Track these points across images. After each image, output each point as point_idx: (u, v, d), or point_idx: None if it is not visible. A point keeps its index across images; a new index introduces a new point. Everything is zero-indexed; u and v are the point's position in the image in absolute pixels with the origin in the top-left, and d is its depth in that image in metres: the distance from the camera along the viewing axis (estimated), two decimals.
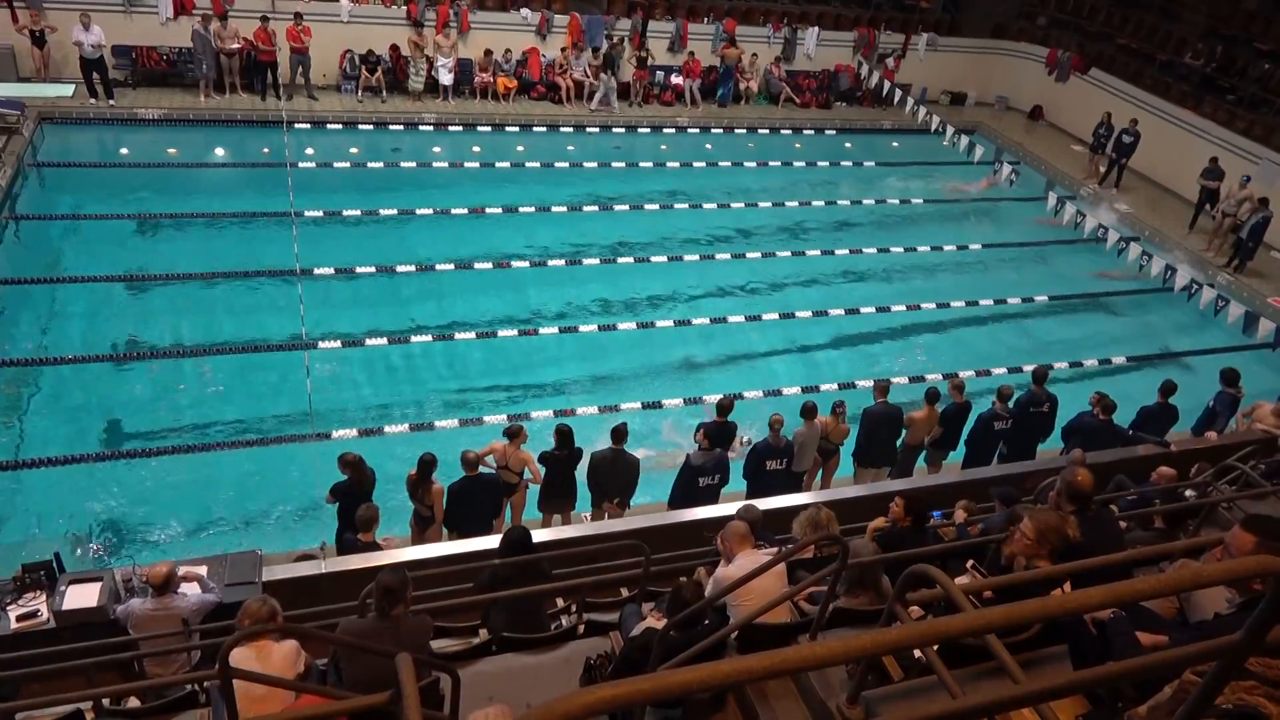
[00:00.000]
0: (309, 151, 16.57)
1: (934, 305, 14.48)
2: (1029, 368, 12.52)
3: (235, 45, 16.89)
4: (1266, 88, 19.15)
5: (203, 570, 6.38)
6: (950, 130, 19.31)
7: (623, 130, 19.44)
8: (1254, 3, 21.18)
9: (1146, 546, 5.86)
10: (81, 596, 6.22)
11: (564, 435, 8.48)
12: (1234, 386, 10.16)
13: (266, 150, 16.30)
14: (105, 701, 5.21)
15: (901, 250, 16.23)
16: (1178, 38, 21.42)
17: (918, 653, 3.75)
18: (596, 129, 19.21)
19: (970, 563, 5.74)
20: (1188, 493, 7.63)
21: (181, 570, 6.12)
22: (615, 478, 8.59)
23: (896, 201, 18.38)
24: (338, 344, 11.81)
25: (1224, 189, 16.85)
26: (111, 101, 16.22)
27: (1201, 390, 11.07)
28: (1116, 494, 7.80)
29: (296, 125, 16.98)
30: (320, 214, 14.42)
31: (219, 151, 16.41)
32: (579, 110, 19.42)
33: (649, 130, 19.71)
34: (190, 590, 6.12)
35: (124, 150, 16.01)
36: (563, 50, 19.59)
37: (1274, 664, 2.57)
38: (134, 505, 9.29)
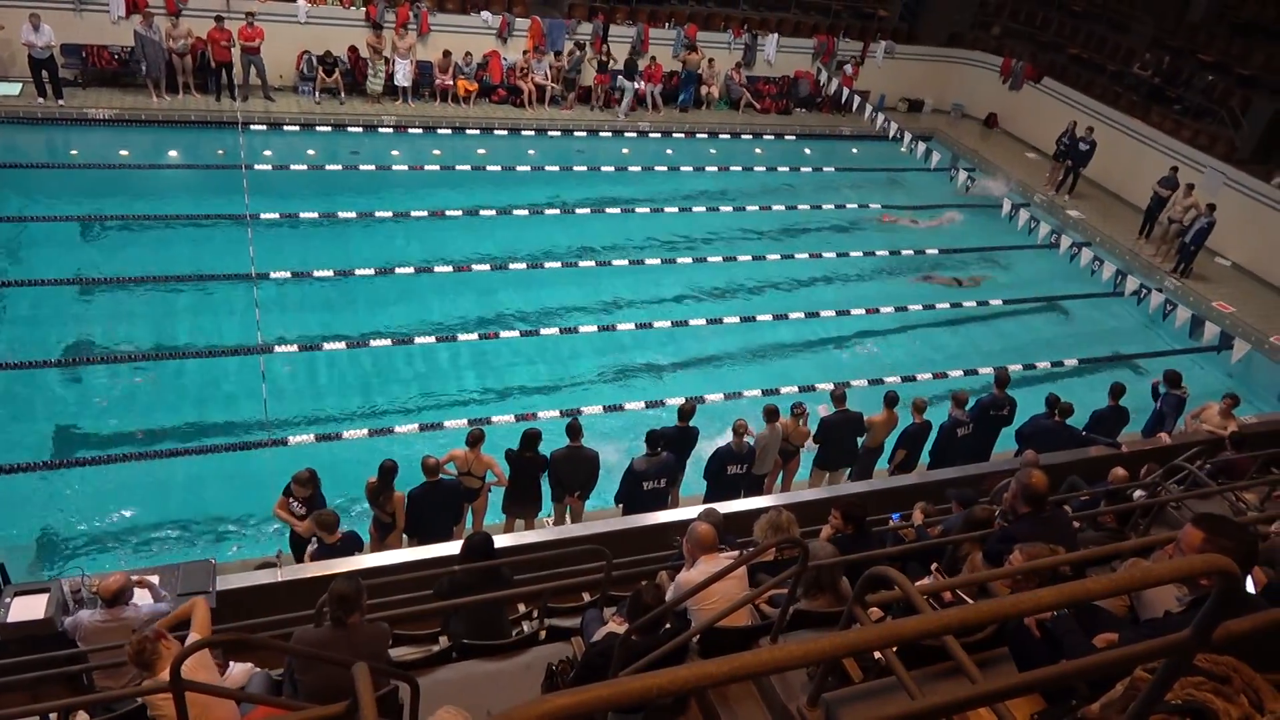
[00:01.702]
0: (266, 153, 16.33)
1: (892, 309, 14.65)
2: (985, 370, 12.77)
3: (187, 43, 16.57)
4: (1210, 98, 19.68)
5: (154, 579, 6.24)
6: (908, 137, 19.58)
7: (584, 134, 19.42)
8: (1197, 15, 21.80)
9: (1098, 546, 5.97)
10: (28, 608, 6.05)
11: (531, 439, 8.45)
12: (1178, 387, 10.37)
13: (221, 152, 16.02)
14: (53, 716, 5.07)
15: (860, 254, 16.40)
16: (1126, 48, 21.94)
17: (878, 654, 3.78)
18: (558, 132, 19.17)
19: (935, 565, 5.83)
20: (1137, 493, 7.80)
21: (133, 578, 5.98)
22: (575, 472, 8.62)
23: (855, 206, 18.57)
24: (294, 348, 11.64)
25: (1172, 197, 17.28)
26: (60, 101, 15.84)
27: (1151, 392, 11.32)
28: (1070, 495, 7.95)
29: (252, 127, 16.72)
30: (277, 216, 14.21)
31: (172, 153, 16.10)
32: (540, 113, 19.37)
33: (610, 134, 19.71)
34: (142, 600, 5.98)
35: (73, 151, 15.65)
36: (524, 54, 19.52)
37: (1221, 660, 2.63)
38: (83, 514, 9.07)
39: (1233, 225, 16.92)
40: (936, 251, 17.12)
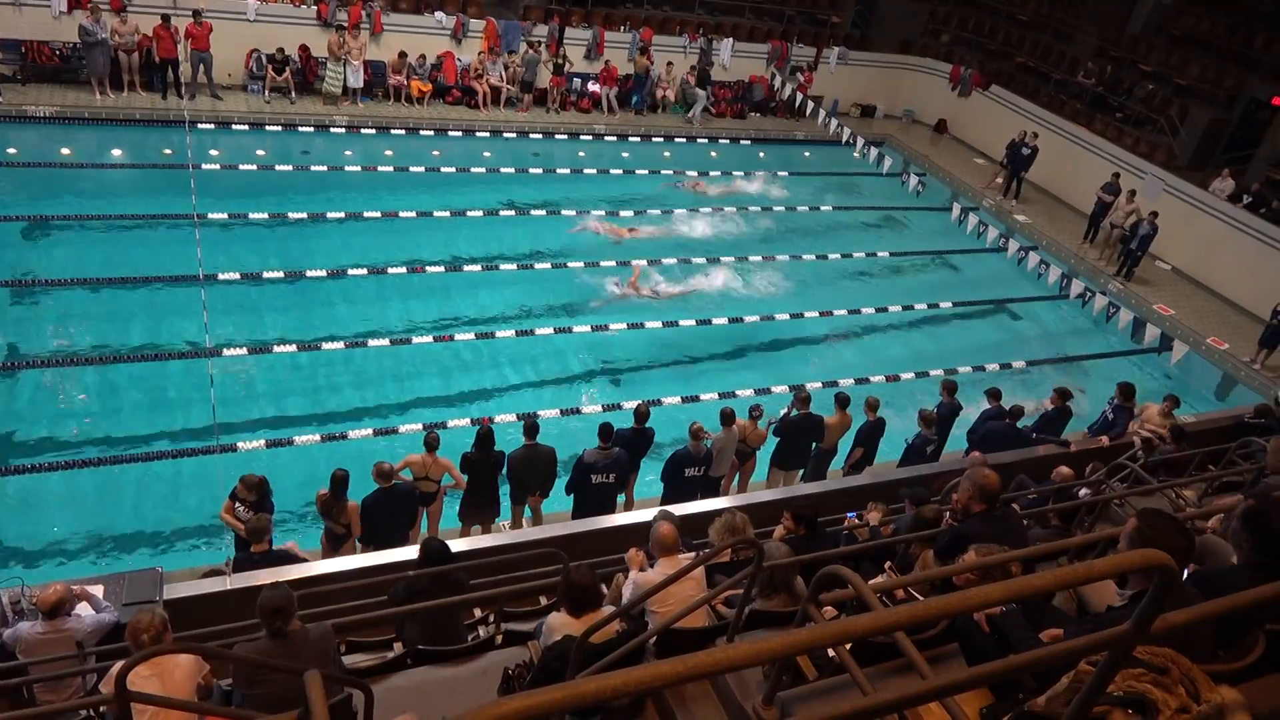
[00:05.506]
0: (213, 153, 16.00)
1: (845, 312, 14.82)
2: (935, 371, 12.97)
3: (133, 39, 16.18)
4: (1150, 106, 20.27)
5: (97, 590, 6.08)
6: (860, 142, 19.85)
7: (540, 136, 19.36)
8: (1138, 27, 22.44)
9: (1045, 543, 6.10)
10: None
11: (484, 437, 8.40)
12: (1130, 400, 10.57)
13: (168, 151, 15.66)
14: None
15: (814, 258, 16.56)
16: (1070, 58, 22.50)
17: (831, 652, 3.83)
18: (513, 134, 19.08)
19: (888, 564, 5.91)
20: (1082, 491, 7.99)
21: (74, 589, 5.81)
22: (535, 471, 8.62)
23: (807, 209, 18.76)
24: (243, 351, 11.43)
25: (1115, 202, 17.74)
26: None
27: (1096, 393, 11.62)
28: (1018, 493, 8.12)
29: (200, 126, 16.38)
30: (225, 217, 13.94)
31: (116, 152, 15.70)
32: (495, 115, 19.26)
33: (566, 137, 19.67)
34: (84, 611, 5.82)
35: (12, 150, 15.17)
36: (479, 55, 19.40)
37: (1159, 652, 2.71)
38: (24, 522, 8.81)
39: (1172, 230, 17.42)
40: (888, 254, 17.38)
